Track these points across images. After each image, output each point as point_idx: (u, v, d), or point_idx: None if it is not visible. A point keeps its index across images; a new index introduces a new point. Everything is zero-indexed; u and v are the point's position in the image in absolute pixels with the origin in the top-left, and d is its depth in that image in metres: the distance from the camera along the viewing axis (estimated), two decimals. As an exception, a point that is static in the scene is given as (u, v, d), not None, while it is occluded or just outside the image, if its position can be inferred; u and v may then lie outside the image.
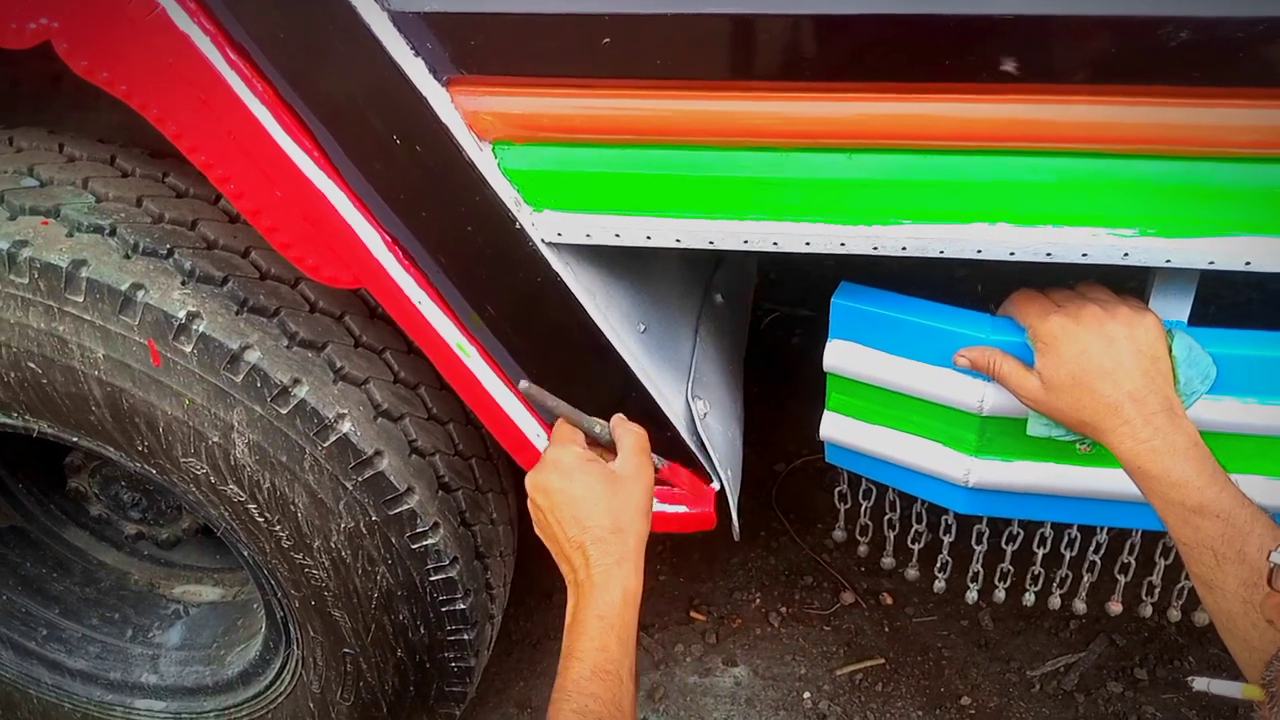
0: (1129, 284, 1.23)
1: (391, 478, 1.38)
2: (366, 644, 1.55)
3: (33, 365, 1.34)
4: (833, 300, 1.30)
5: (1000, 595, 1.59)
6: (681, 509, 1.40)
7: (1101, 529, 1.47)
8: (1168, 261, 1.10)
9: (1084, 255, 1.11)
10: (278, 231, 1.23)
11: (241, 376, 1.30)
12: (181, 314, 1.27)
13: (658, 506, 1.36)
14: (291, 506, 1.39)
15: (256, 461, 1.35)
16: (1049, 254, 1.12)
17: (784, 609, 2.16)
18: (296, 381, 1.32)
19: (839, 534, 1.68)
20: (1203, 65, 0.98)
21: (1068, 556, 1.50)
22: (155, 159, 1.43)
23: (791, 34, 1.04)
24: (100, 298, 1.27)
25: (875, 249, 1.15)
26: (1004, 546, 1.51)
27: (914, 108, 1.06)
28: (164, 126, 1.17)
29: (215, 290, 1.32)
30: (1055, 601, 1.60)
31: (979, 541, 1.52)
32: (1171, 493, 1.07)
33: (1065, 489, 1.30)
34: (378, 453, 1.37)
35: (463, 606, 1.51)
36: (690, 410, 1.39)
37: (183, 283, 1.30)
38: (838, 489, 1.59)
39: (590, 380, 1.35)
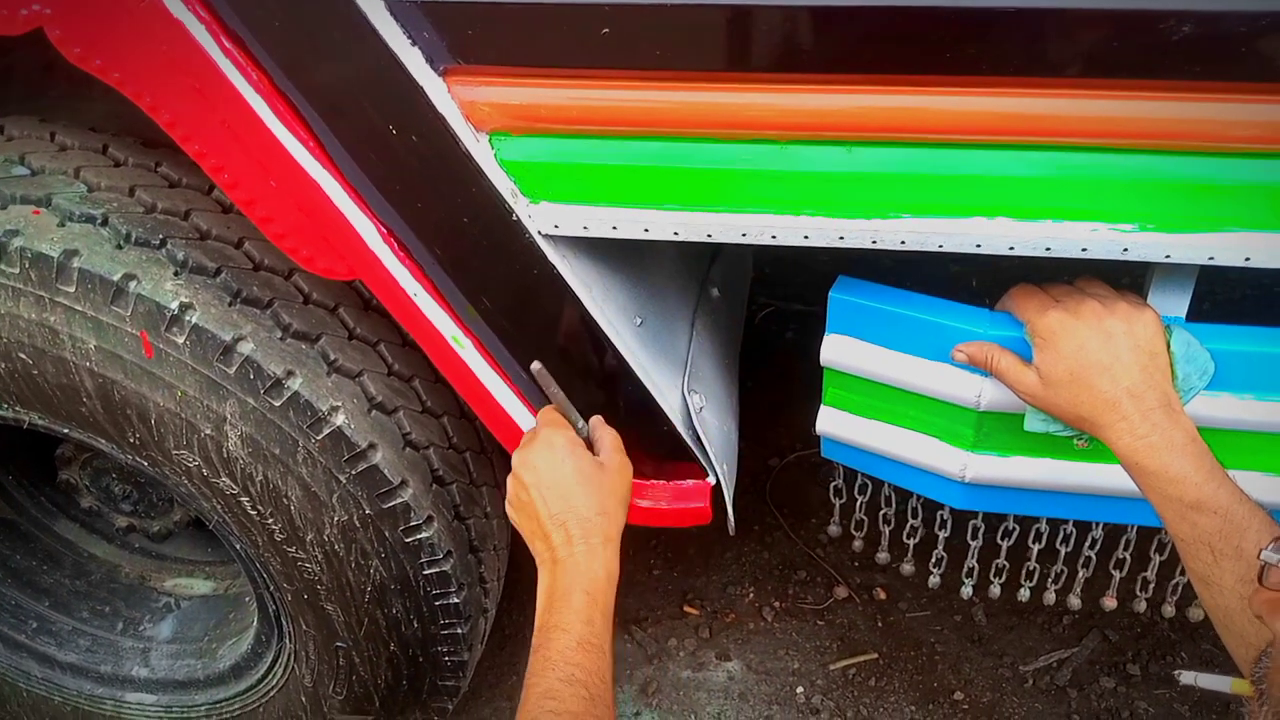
0: (1123, 279, 1.22)
1: (385, 471, 1.37)
2: (359, 638, 1.54)
3: (23, 356, 1.33)
4: (830, 294, 1.29)
5: (995, 590, 1.58)
6: (677, 504, 1.39)
7: (1097, 524, 1.46)
8: (1167, 257, 1.10)
9: (1083, 250, 1.10)
10: (272, 222, 1.22)
11: (234, 368, 1.29)
12: (174, 305, 1.26)
13: (654, 503, 1.36)
14: (284, 499, 1.38)
15: (249, 454, 1.34)
16: (1048, 249, 1.11)
17: (777, 603, 2.15)
18: (290, 374, 1.31)
19: (834, 529, 1.67)
20: (1204, 60, 0.98)
21: (1063, 552, 1.50)
22: (148, 148, 1.42)
23: (790, 25, 1.03)
24: (92, 288, 1.26)
25: (874, 243, 1.14)
26: (999, 542, 1.51)
27: (914, 101, 1.05)
28: (157, 115, 1.16)
29: (208, 281, 1.31)
30: (1050, 597, 1.60)
31: (974, 537, 1.52)
32: (1169, 489, 1.07)
33: (1062, 484, 1.30)
34: (371, 446, 1.36)
35: (456, 600, 1.51)
36: (686, 404, 1.39)
37: (175, 273, 1.29)
38: (833, 484, 1.59)
39: (586, 373, 1.34)
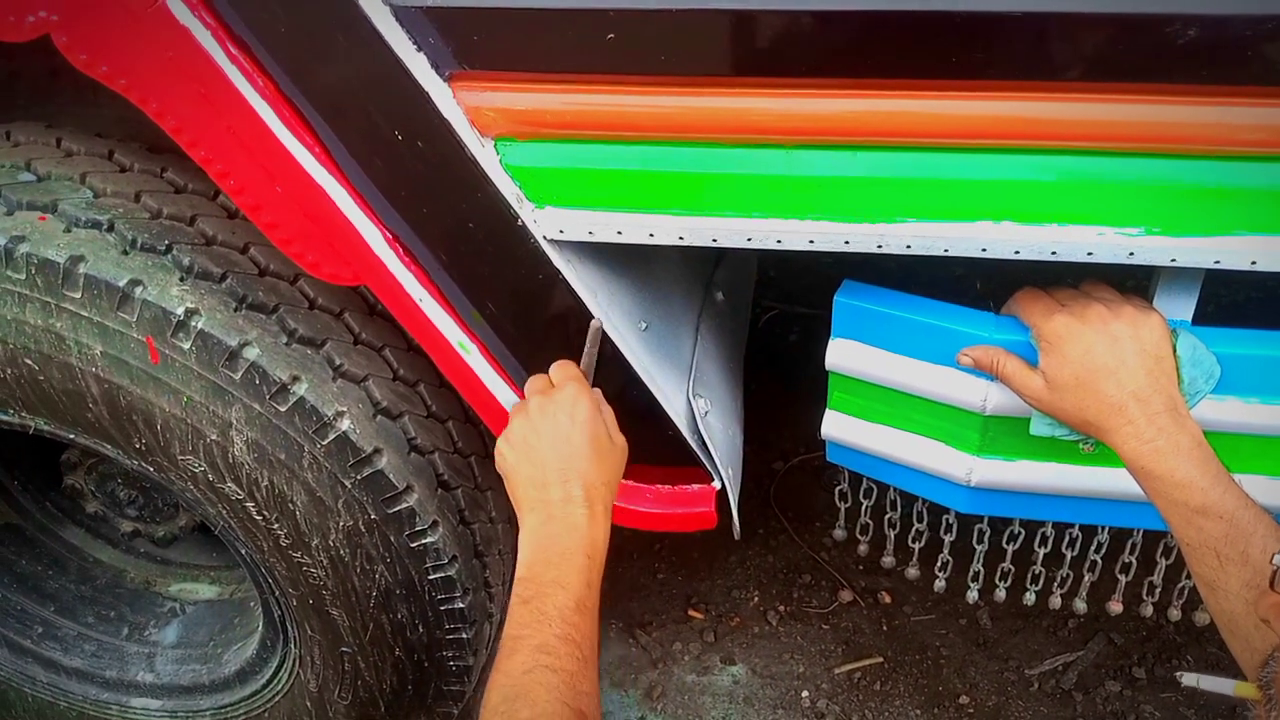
0: (1128, 282, 1.22)
1: (390, 476, 1.37)
2: (364, 643, 1.54)
3: (30, 362, 1.33)
4: (835, 298, 1.29)
5: (1001, 595, 1.58)
6: (682, 509, 1.39)
7: (1103, 528, 1.46)
8: (1173, 261, 1.10)
9: (1089, 254, 1.10)
10: (278, 228, 1.23)
11: (240, 374, 1.29)
12: (180, 310, 1.27)
13: (660, 507, 1.36)
14: (290, 504, 1.38)
15: (255, 459, 1.34)
16: (1054, 253, 1.11)
17: (782, 607, 2.15)
18: (295, 379, 1.31)
19: (839, 533, 1.68)
20: (1210, 63, 0.98)
21: (1069, 556, 1.49)
22: (153, 154, 1.42)
23: (796, 30, 1.03)
24: (98, 294, 1.26)
25: (880, 247, 1.14)
26: (1005, 546, 1.51)
27: (919, 105, 1.05)
28: (164, 121, 1.16)
29: (214, 287, 1.31)
30: (1056, 601, 1.60)
31: (980, 541, 1.52)
32: (1175, 493, 1.07)
33: (1068, 489, 1.30)
34: (377, 450, 1.36)
35: (461, 605, 1.51)
36: (691, 409, 1.39)
37: (181, 279, 1.29)
38: (838, 488, 1.59)
39: (592, 378, 1.34)
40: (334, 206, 1.19)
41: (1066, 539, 1.48)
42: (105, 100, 1.18)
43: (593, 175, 1.16)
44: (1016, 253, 1.12)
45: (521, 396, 1.33)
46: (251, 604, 1.73)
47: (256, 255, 1.37)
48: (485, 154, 1.15)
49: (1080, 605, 1.58)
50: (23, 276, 1.27)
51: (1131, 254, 1.10)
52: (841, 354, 1.32)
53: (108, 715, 1.80)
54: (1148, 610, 1.56)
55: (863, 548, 1.65)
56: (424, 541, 1.42)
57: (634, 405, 1.34)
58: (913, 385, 1.29)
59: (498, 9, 1.06)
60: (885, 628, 2.11)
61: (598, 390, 1.29)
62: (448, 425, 1.50)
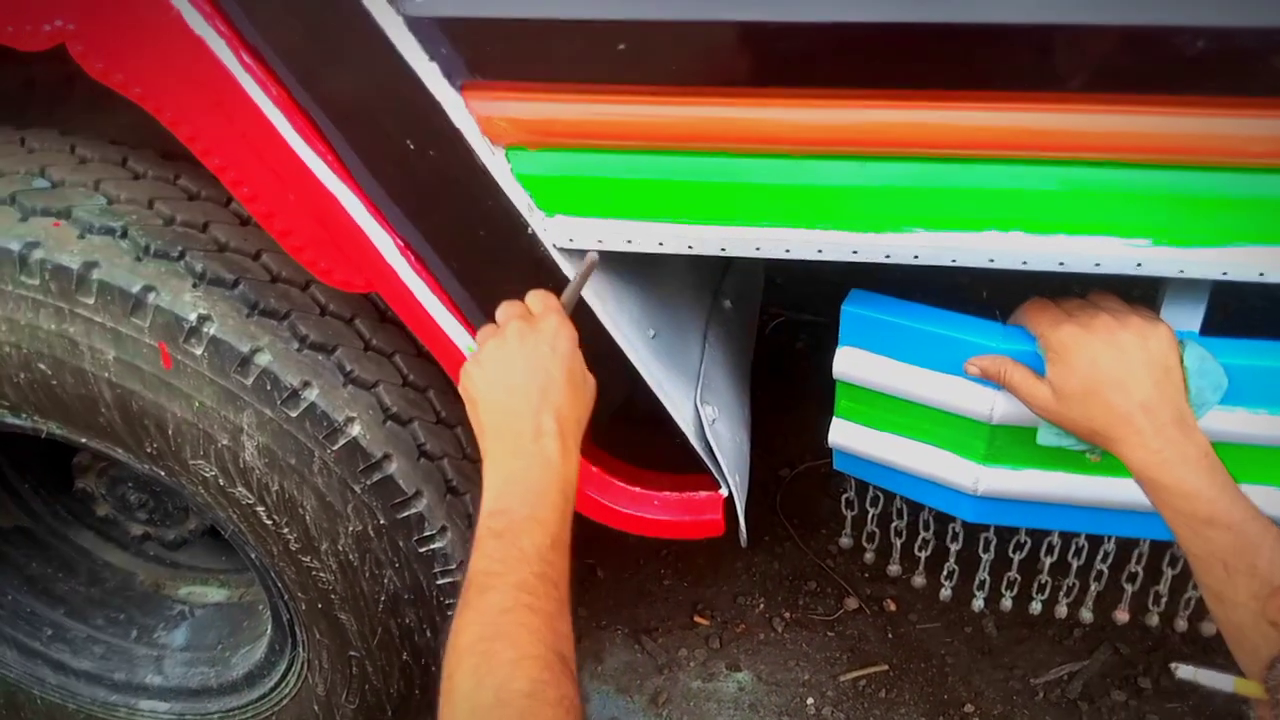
0: (1134, 291, 1.23)
1: (400, 481, 1.38)
2: (373, 647, 1.55)
3: (43, 366, 1.34)
4: (843, 307, 1.29)
5: (1007, 603, 1.58)
6: (690, 516, 1.40)
7: (1109, 538, 1.46)
8: (1181, 272, 1.10)
9: (1097, 265, 1.11)
10: (291, 235, 1.23)
11: (252, 379, 1.30)
12: (192, 316, 1.28)
13: (667, 514, 1.36)
14: (300, 509, 1.39)
15: (265, 464, 1.35)
16: (1062, 263, 1.12)
17: (788, 614, 2.15)
18: (306, 384, 1.32)
19: (845, 540, 1.68)
20: (1219, 75, 0.98)
21: (1075, 565, 1.50)
22: (167, 161, 1.43)
23: (805, 41, 1.04)
24: (111, 300, 1.27)
25: (887, 257, 1.15)
26: (1011, 555, 1.51)
27: (928, 115, 1.06)
28: (178, 129, 1.17)
29: (226, 293, 1.32)
30: (1062, 610, 1.60)
31: (986, 549, 1.52)
32: (1182, 504, 1.07)
33: (1075, 498, 1.30)
34: (386, 456, 1.37)
35: (469, 610, 1.51)
36: (699, 416, 1.39)
37: (194, 285, 1.30)
38: (845, 495, 1.59)
39: (599, 385, 1.35)
40: (346, 214, 1.20)
41: (1073, 548, 1.49)
42: (119, 107, 1.19)
43: (603, 184, 1.17)
44: (1024, 263, 1.13)
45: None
46: (260, 607, 1.74)
47: (268, 262, 1.38)
48: (496, 163, 1.16)
49: (1086, 615, 1.58)
50: (37, 282, 1.28)
51: (1139, 265, 1.10)
52: (849, 362, 1.32)
53: (116, 718, 1.81)
54: (1154, 620, 1.56)
55: (869, 556, 1.65)
56: (433, 547, 1.43)
57: (641, 412, 1.34)
58: (920, 394, 1.29)
59: (510, 19, 1.06)
60: (890, 635, 2.11)
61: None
62: (456, 431, 1.51)
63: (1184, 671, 0.94)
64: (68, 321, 1.30)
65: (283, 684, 1.69)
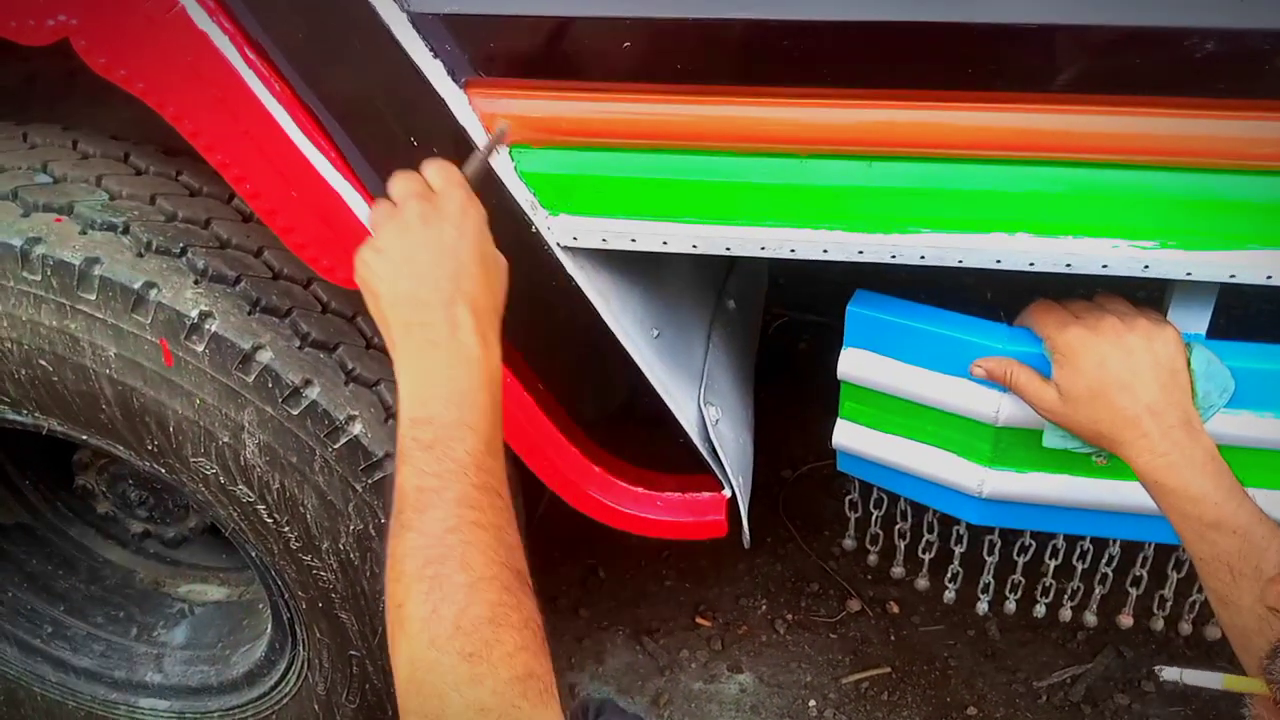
0: (1139, 293, 1.22)
1: (402, 480, 1.37)
2: (373, 646, 1.54)
3: (44, 363, 1.33)
4: (848, 308, 1.29)
5: (1011, 606, 1.58)
6: (693, 517, 1.39)
7: (1114, 541, 1.46)
8: (1188, 274, 1.09)
9: (1104, 267, 1.10)
10: (293, 232, 1.23)
11: (253, 377, 1.30)
12: (194, 313, 1.27)
13: (671, 515, 1.36)
14: (301, 508, 1.38)
15: (266, 462, 1.35)
16: (1068, 265, 1.11)
17: (790, 616, 2.15)
18: (308, 382, 1.31)
19: (849, 542, 1.67)
20: (1227, 77, 0.98)
21: (1080, 568, 1.49)
22: (169, 156, 1.43)
23: (811, 40, 1.03)
24: (113, 296, 1.27)
25: (893, 258, 1.14)
26: (1016, 558, 1.50)
27: (935, 116, 1.05)
28: (181, 125, 1.17)
29: (228, 290, 1.31)
30: (1066, 613, 1.59)
31: (990, 552, 1.51)
32: (1188, 507, 1.06)
33: (1080, 501, 1.29)
34: (388, 455, 1.36)
35: (470, 610, 1.51)
36: (702, 416, 1.39)
37: (195, 282, 1.30)
38: (849, 497, 1.59)
39: (603, 384, 1.34)
40: (349, 211, 1.19)
41: (1078, 551, 1.48)
42: (121, 103, 1.18)
43: (607, 183, 1.16)
44: (1031, 264, 1.12)
45: (532, 402, 1.33)
46: (260, 606, 1.73)
47: (270, 259, 1.38)
48: (500, 160, 1.15)
49: (1090, 618, 1.58)
50: (38, 278, 1.27)
51: (1146, 267, 1.10)
52: (854, 364, 1.32)
53: (116, 715, 1.80)
54: (1158, 624, 1.55)
55: (873, 558, 1.65)
56: (434, 546, 1.42)
57: (644, 411, 1.34)
58: (925, 396, 1.29)
59: (514, 16, 1.06)
60: (893, 638, 2.11)
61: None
62: (458, 430, 1.50)
63: (1169, 674, 0.92)
64: (69, 318, 1.29)
65: (283, 683, 1.69)
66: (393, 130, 1.15)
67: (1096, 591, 1.53)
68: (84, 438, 1.43)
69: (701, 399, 1.40)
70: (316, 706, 1.67)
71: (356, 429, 1.33)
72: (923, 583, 1.63)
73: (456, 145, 1.13)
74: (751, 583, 2.22)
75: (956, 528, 1.49)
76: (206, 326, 1.27)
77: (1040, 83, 1.02)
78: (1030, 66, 1.01)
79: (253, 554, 1.50)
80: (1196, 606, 1.50)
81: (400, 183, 1.05)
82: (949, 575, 1.58)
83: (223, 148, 1.18)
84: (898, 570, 1.66)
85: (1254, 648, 1.01)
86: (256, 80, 1.12)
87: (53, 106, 1.49)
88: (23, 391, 1.39)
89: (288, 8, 1.09)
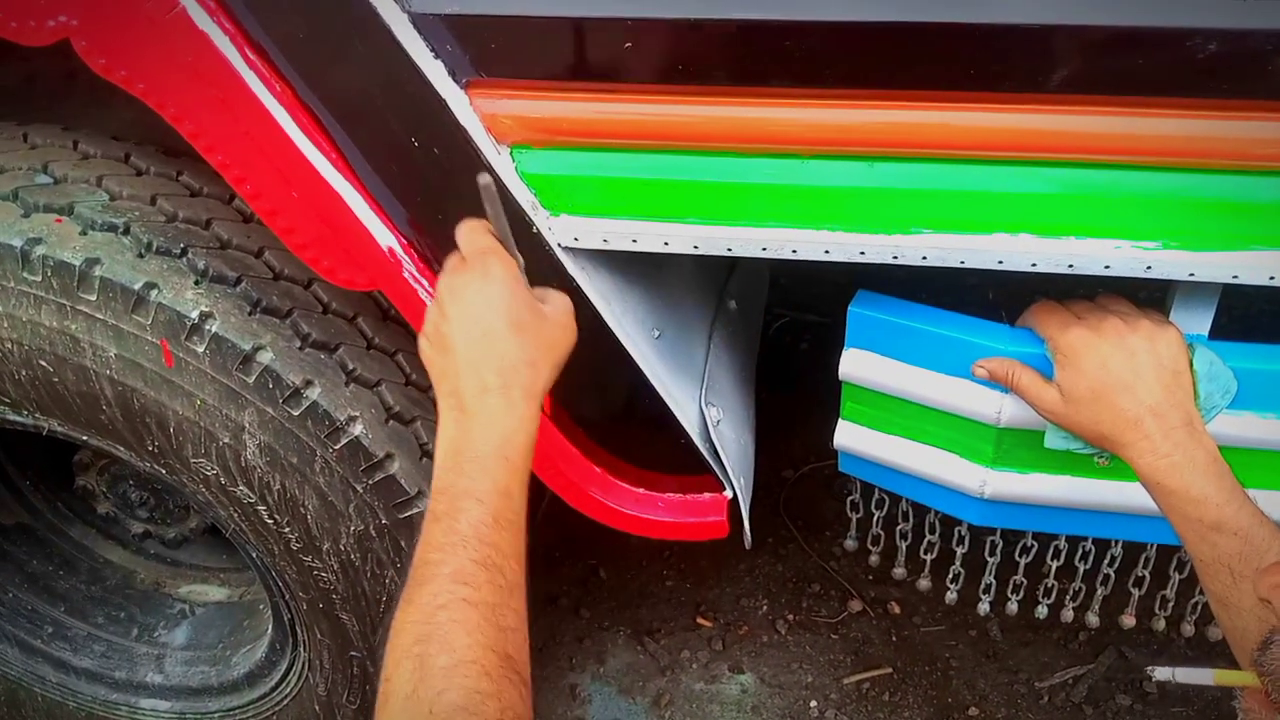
0: (1140, 294, 1.22)
1: (402, 481, 1.37)
2: (374, 647, 1.54)
3: (44, 363, 1.33)
4: (850, 309, 1.29)
5: (1013, 607, 1.58)
6: (694, 517, 1.39)
7: (1116, 542, 1.46)
8: (1191, 275, 1.09)
9: (1106, 267, 1.10)
10: (294, 233, 1.23)
11: (253, 377, 1.29)
12: (194, 314, 1.27)
13: (671, 516, 1.35)
14: (301, 509, 1.38)
15: (267, 463, 1.35)
16: (1071, 265, 1.11)
17: (791, 616, 2.15)
18: (309, 383, 1.31)
19: (850, 543, 1.67)
20: (1230, 78, 0.98)
21: (1082, 569, 1.49)
22: (169, 157, 1.43)
23: (813, 40, 1.03)
24: (113, 296, 1.27)
25: (895, 258, 1.14)
26: (1017, 558, 1.50)
27: (937, 116, 1.05)
28: (181, 125, 1.16)
29: (228, 290, 1.31)
30: (1068, 614, 1.59)
31: (992, 553, 1.51)
32: (1190, 509, 1.06)
33: (1082, 502, 1.29)
34: (389, 456, 1.36)
35: (471, 611, 1.50)
36: (704, 417, 1.39)
37: (196, 282, 1.29)
38: (850, 498, 1.59)
39: (603, 385, 1.34)
40: (349, 212, 1.19)
41: (1080, 552, 1.48)
42: (122, 103, 1.18)
43: (608, 183, 1.16)
44: (1033, 265, 1.12)
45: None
46: (261, 607, 1.73)
47: (271, 259, 1.38)
48: (501, 161, 1.15)
49: (1092, 619, 1.58)
50: (39, 278, 1.27)
51: (1149, 268, 1.09)
52: (855, 364, 1.32)
53: (117, 716, 1.80)
54: (1160, 624, 1.55)
55: (874, 558, 1.65)
56: (435, 547, 1.42)
57: (646, 412, 1.34)
58: (927, 396, 1.28)
59: (515, 17, 1.06)
60: (894, 638, 2.10)
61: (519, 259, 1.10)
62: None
63: (1160, 673, 0.92)
64: (69, 318, 1.29)
65: (283, 684, 1.69)
66: (394, 131, 1.15)
67: (1098, 592, 1.53)
68: (84, 438, 1.43)
69: (703, 399, 1.40)
70: (317, 707, 1.67)
71: (357, 430, 1.33)
72: (924, 583, 1.63)
73: (457, 146, 1.13)
74: (753, 583, 2.21)
75: (958, 528, 1.49)
76: (207, 327, 1.27)
77: (1043, 83, 1.01)
78: (1032, 67, 1.01)
79: (253, 555, 1.50)
80: (1199, 608, 1.50)
81: (445, 263, 1.08)
82: (950, 576, 1.58)
83: (223, 148, 1.17)
84: (899, 571, 1.66)
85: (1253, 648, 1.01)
86: (257, 81, 1.12)
87: (53, 107, 1.49)
88: (23, 392, 1.39)
89: (288, 8, 1.09)
